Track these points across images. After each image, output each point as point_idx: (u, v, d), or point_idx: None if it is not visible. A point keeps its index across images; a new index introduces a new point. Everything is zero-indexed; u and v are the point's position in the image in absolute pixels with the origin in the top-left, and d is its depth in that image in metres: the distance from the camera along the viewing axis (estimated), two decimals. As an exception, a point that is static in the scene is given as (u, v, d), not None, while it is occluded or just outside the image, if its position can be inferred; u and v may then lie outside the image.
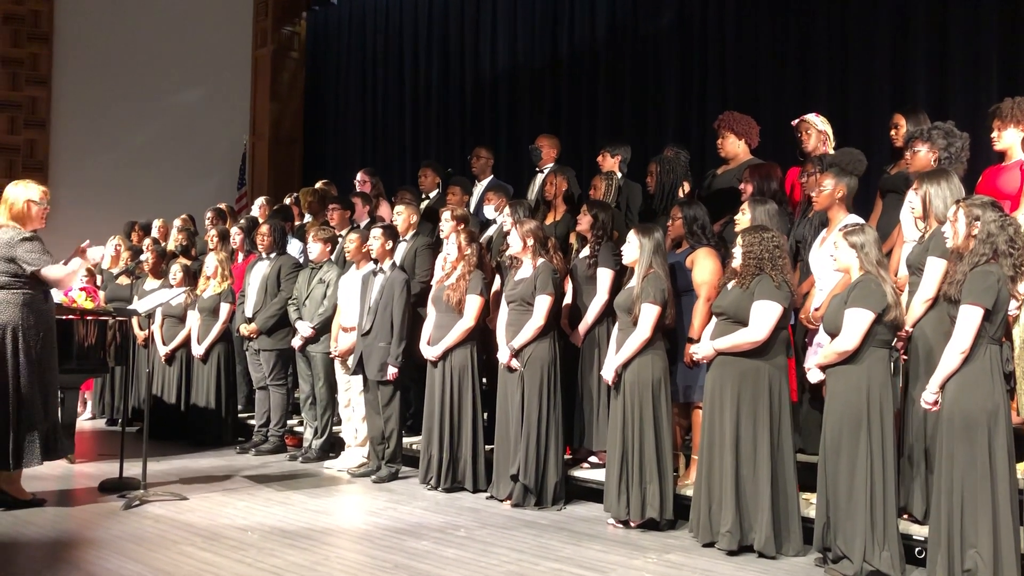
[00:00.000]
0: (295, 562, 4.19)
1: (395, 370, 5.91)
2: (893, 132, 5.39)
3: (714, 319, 4.59)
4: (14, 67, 11.91)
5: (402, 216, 6.62)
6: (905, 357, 4.20)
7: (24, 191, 5.20)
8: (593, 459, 5.66)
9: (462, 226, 6.05)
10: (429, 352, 5.77)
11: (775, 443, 4.34)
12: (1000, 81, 6.38)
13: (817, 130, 5.63)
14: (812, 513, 4.26)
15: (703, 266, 5.00)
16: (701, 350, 4.54)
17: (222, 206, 9.34)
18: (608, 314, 5.41)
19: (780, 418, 4.37)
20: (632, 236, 4.94)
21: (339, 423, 6.77)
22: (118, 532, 4.69)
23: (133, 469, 5.60)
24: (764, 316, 4.32)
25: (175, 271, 7.67)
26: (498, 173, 7.94)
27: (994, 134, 4.69)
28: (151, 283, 8.02)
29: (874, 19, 7.20)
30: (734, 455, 4.33)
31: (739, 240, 4.50)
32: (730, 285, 4.51)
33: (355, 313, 6.26)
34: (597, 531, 4.82)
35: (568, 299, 5.66)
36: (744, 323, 4.38)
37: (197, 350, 7.45)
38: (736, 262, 4.47)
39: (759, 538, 4.26)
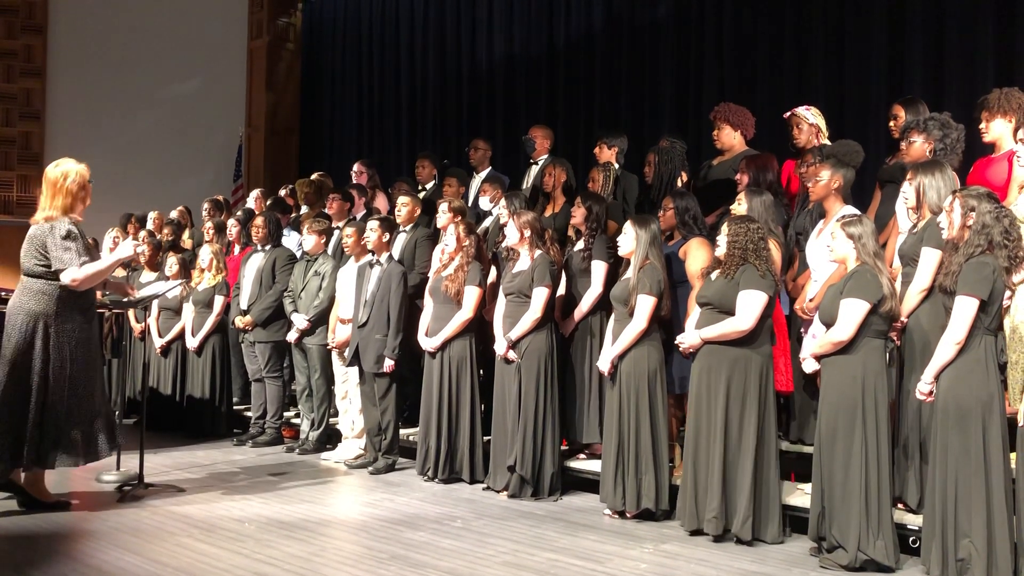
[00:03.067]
0: (292, 553, 4.20)
1: (391, 363, 5.91)
2: (892, 123, 5.39)
3: (697, 308, 4.60)
4: (8, 59, 11.86)
5: (406, 207, 6.60)
6: (898, 343, 4.21)
7: (75, 165, 4.87)
8: (587, 451, 5.67)
9: (460, 218, 6.05)
10: (427, 343, 5.78)
11: (761, 430, 4.37)
12: (996, 72, 6.38)
13: (808, 124, 5.63)
14: (807, 503, 4.28)
15: (697, 256, 5.01)
16: (687, 339, 4.55)
17: (219, 198, 9.32)
18: (601, 306, 5.42)
19: (766, 406, 4.41)
20: (628, 227, 4.95)
21: (336, 415, 6.77)
22: (115, 524, 4.69)
23: (130, 461, 5.61)
24: (751, 305, 4.35)
25: (171, 263, 7.66)
26: (495, 164, 7.93)
27: (982, 125, 4.70)
28: (147, 275, 8.01)
29: (870, 10, 7.20)
30: (723, 443, 4.36)
31: (724, 229, 4.51)
32: (714, 275, 4.53)
33: (353, 305, 6.26)
34: (593, 521, 4.84)
35: (562, 290, 5.66)
36: (729, 312, 4.40)
37: (191, 342, 7.45)
38: (720, 251, 4.49)
39: (736, 521, 4.30)
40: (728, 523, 4.34)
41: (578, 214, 5.56)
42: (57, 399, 4.77)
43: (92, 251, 4.99)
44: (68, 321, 4.81)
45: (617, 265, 5.22)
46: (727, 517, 4.34)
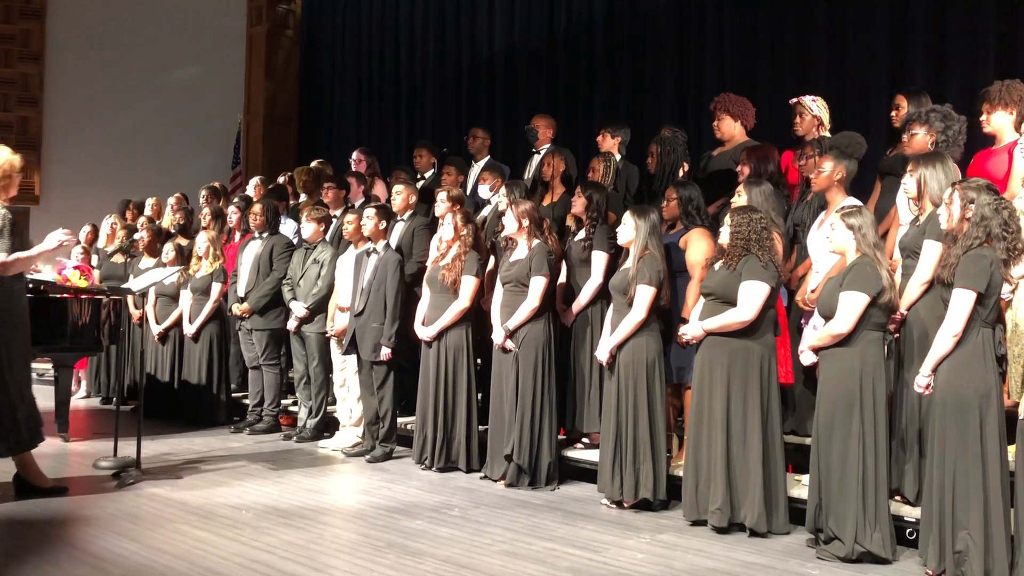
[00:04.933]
0: (289, 541, 4.20)
1: (388, 351, 5.90)
2: (894, 113, 5.37)
3: (701, 299, 4.59)
4: (6, 43, 11.82)
5: (401, 196, 6.59)
6: (897, 335, 4.20)
7: (7, 154, 4.93)
8: (586, 440, 5.67)
9: (458, 207, 6.04)
10: (424, 332, 5.77)
11: (765, 421, 4.36)
12: (997, 64, 6.36)
13: (812, 114, 5.61)
14: (804, 494, 4.28)
15: (697, 247, 5.00)
16: (690, 330, 4.55)
17: (216, 184, 9.30)
18: (601, 296, 5.41)
19: (770, 397, 4.40)
20: (628, 217, 4.93)
21: (333, 403, 6.77)
22: (113, 511, 4.69)
23: (127, 448, 5.61)
24: (753, 296, 4.34)
25: (168, 250, 7.65)
26: (494, 153, 7.91)
27: (983, 117, 4.69)
28: (147, 262, 8.00)
29: (873, 1, 7.17)
30: (725, 434, 4.36)
31: (727, 220, 4.50)
32: (717, 265, 4.52)
33: (351, 293, 6.25)
34: (590, 511, 4.84)
35: (562, 279, 5.65)
36: (732, 303, 4.39)
37: (188, 329, 7.43)
38: (723, 240, 4.48)
39: (751, 515, 4.28)
40: (733, 515, 4.34)
41: (579, 203, 5.54)
42: (6, 384, 4.74)
43: (24, 237, 4.91)
44: (7, 304, 4.76)
45: (617, 255, 5.21)
46: (732, 509, 4.34)
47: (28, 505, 4.76)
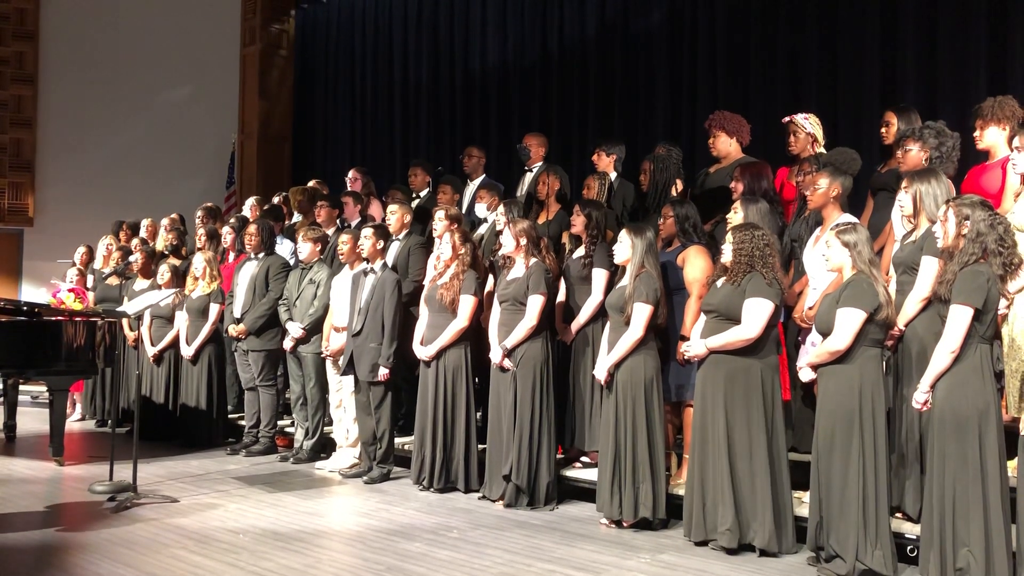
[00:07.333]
0: (287, 565, 4.17)
1: (386, 371, 5.89)
2: (884, 130, 5.40)
3: (703, 316, 4.59)
4: (0, 66, 11.84)
5: (396, 215, 6.59)
6: (893, 352, 4.20)
7: None
8: (585, 459, 5.65)
9: (456, 226, 6.04)
10: (423, 352, 5.76)
11: (771, 440, 4.34)
12: (988, 81, 6.40)
13: (805, 132, 5.64)
14: (805, 512, 4.27)
15: (694, 264, 5.01)
16: (693, 348, 4.53)
17: (211, 205, 9.29)
18: (602, 313, 5.40)
19: (773, 416, 4.38)
20: (624, 235, 4.93)
21: (330, 423, 6.74)
22: (108, 535, 4.66)
23: (123, 471, 5.57)
24: (757, 314, 4.33)
25: (163, 271, 7.61)
26: (488, 172, 7.92)
27: (976, 133, 4.73)
28: (141, 283, 7.97)
29: (864, 18, 7.22)
30: (727, 453, 4.34)
31: (729, 237, 4.49)
32: (720, 282, 4.52)
33: (347, 313, 6.23)
34: (590, 531, 4.82)
35: (561, 297, 5.64)
36: (735, 320, 4.38)
37: (186, 351, 7.39)
38: (726, 258, 4.48)
39: (761, 536, 4.26)
40: (742, 535, 4.32)
41: (578, 222, 5.54)
42: None
43: None
44: None
45: (616, 273, 5.20)
46: (741, 529, 4.31)
47: (22, 532, 4.71)
